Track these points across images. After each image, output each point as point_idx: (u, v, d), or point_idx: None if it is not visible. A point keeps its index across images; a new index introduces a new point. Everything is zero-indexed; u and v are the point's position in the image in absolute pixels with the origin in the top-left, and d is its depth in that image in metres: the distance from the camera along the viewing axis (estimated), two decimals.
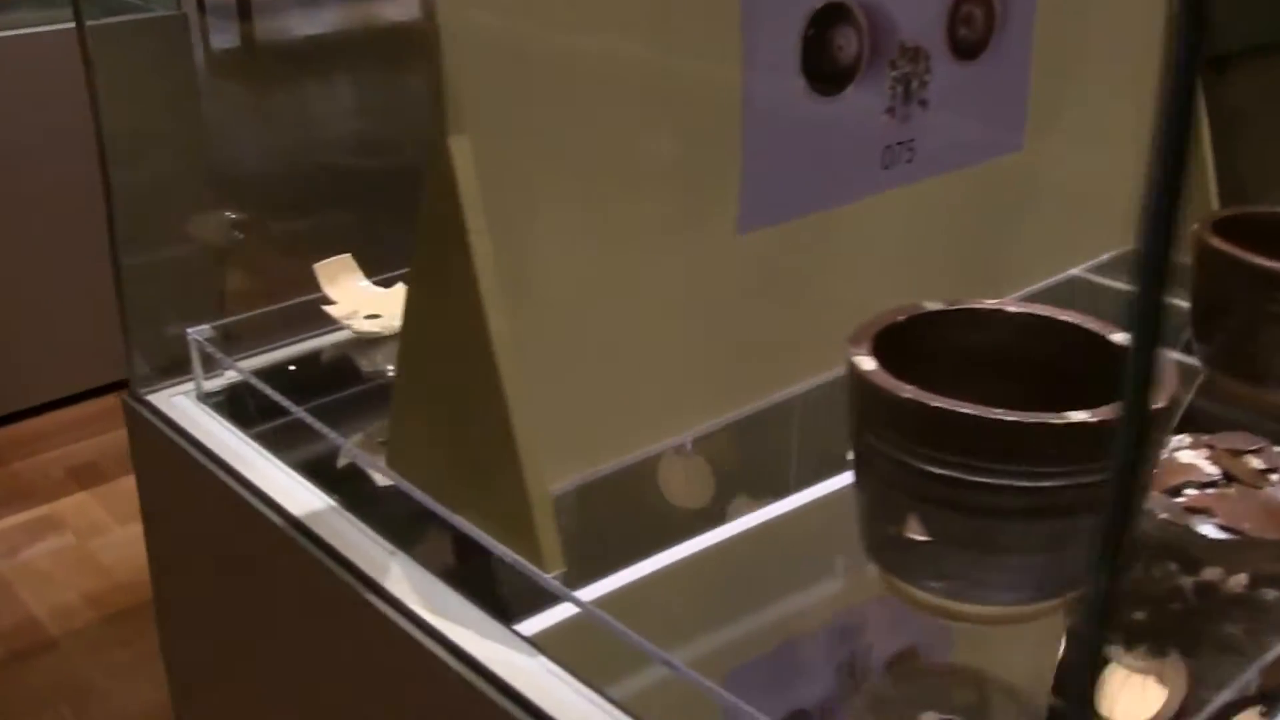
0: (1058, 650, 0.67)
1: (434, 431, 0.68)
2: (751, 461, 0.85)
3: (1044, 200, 0.95)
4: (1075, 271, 1.01)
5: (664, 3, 0.67)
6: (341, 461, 0.86)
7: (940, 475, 0.56)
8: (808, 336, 0.81)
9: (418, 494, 0.70)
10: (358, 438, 0.88)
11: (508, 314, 0.61)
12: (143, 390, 0.90)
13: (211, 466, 0.82)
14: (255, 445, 0.84)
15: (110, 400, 2.00)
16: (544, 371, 0.65)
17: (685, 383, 0.75)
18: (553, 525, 0.63)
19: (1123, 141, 1.00)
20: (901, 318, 0.64)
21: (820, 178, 0.77)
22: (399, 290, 0.94)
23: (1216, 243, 0.80)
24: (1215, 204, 1.02)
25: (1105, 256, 1.03)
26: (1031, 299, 0.96)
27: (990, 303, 0.66)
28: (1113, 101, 0.98)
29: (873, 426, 0.58)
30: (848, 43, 0.76)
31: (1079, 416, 0.55)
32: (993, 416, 0.54)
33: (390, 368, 0.92)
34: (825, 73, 0.75)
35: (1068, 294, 0.99)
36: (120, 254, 0.88)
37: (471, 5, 0.58)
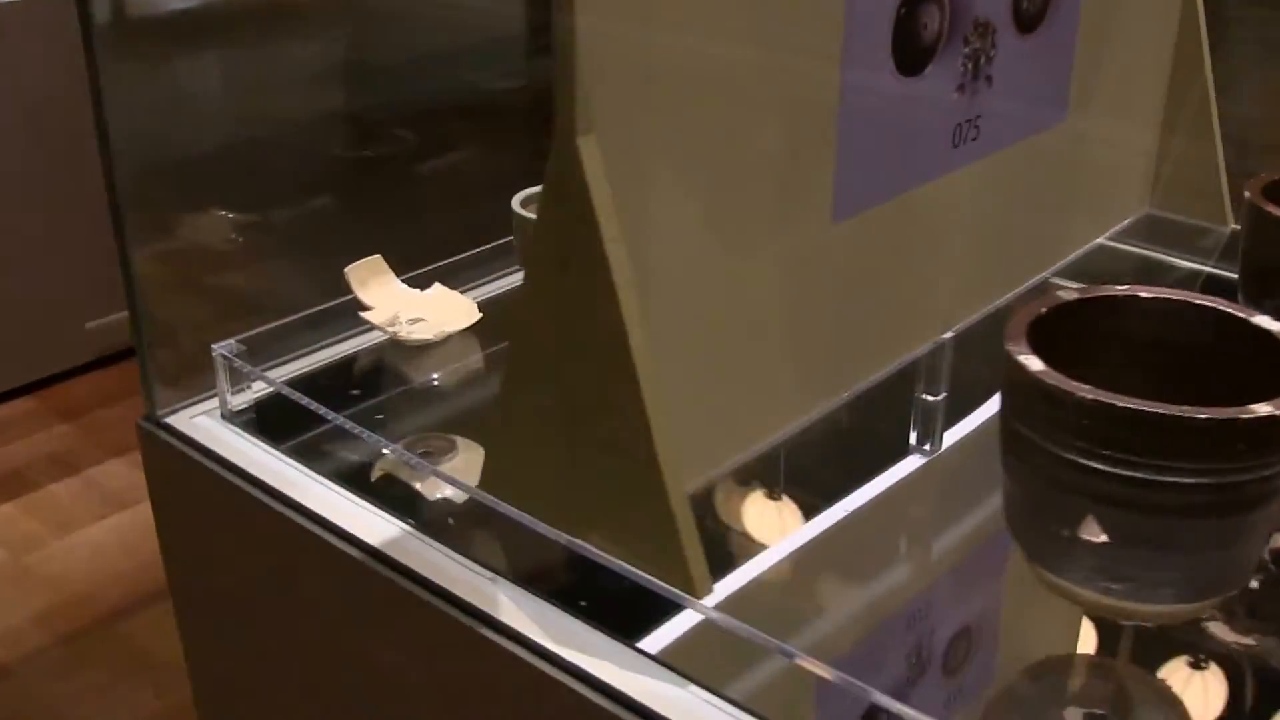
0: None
1: (550, 452, 0.63)
2: (844, 448, 0.83)
3: (1079, 170, 0.94)
4: (1101, 240, 1.00)
5: None
6: (376, 474, 0.82)
7: (1123, 476, 0.54)
8: (894, 319, 0.79)
9: (528, 519, 0.66)
10: (394, 449, 0.83)
11: (644, 325, 0.58)
12: (161, 413, 0.84)
13: (260, 495, 0.76)
14: (303, 468, 0.78)
15: (28, 403, 1.89)
16: (668, 380, 0.61)
17: (789, 377, 0.72)
18: (699, 548, 0.60)
19: (1139, 107, 1.01)
20: (1044, 309, 0.62)
21: (901, 161, 0.75)
22: (437, 292, 0.88)
23: (1270, 208, 0.80)
24: (1217, 131, 1.01)
25: (1126, 222, 1.03)
26: (1070, 270, 0.96)
27: (1121, 289, 0.64)
28: (1132, 68, 0.97)
29: (1041, 428, 0.56)
30: (931, 20, 0.73)
31: (1265, 410, 0.53)
32: (1185, 414, 0.53)
33: (436, 375, 0.87)
34: (910, 52, 0.72)
35: (1100, 262, 0.99)
36: (135, 266, 0.80)
37: (606, 6, 0.54)
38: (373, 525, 0.73)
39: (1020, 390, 0.57)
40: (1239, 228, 1.01)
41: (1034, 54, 0.83)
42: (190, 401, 0.85)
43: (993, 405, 0.88)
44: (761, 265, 0.68)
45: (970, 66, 0.77)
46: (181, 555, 0.86)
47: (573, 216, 0.56)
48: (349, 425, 0.79)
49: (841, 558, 0.75)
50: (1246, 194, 0.80)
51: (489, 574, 0.68)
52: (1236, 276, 0.99)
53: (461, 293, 0.91)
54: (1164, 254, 1.03)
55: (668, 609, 0.64)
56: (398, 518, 0.73)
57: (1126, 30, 0.94)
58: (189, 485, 0.82)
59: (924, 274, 0.81)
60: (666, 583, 0.61)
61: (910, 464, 0.81)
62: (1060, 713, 0.63)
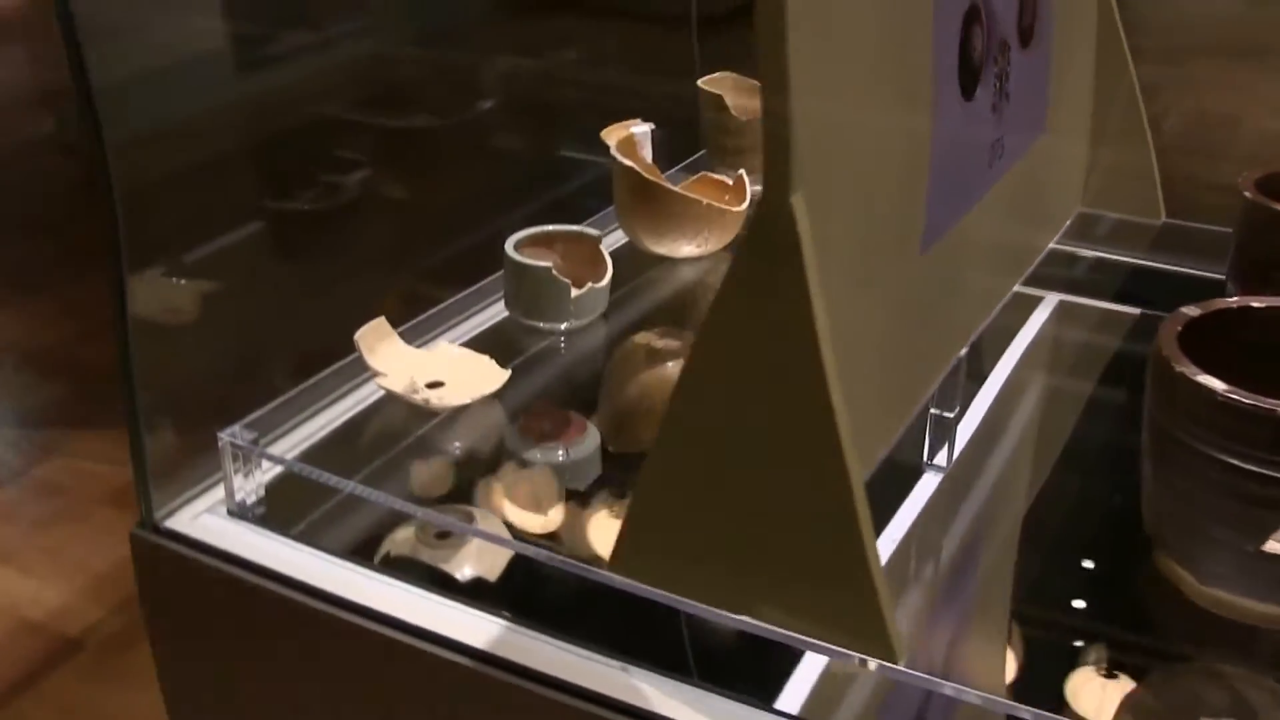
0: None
1: (713, 522, 0.59)
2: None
3: (1049, 178, 0.96)
4: (1051, 244, 1.03)
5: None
6: (382, 552, 0.75)
7: None
8: (940, 341, 0.78)
9: (675, 598, 0.61)
10: (408, 530, 0.77)
11: (842, 386, 0.55)
12: (160, 516, 0.74)
13: (315, 604, 0.68)
14: (352, 565, 0.71)
15: None
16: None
17: (884, 411, 0.71)
18: (894, 609, 0.57)
19: (1080, 109, 1.04)
20: (1179, 327, 0.62)
21: (961, 187, 0.74)
22: (444, 350, 0.81)
23: (1269, 202, 0.82)
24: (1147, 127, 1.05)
25: (1066, 224, 1.05)
26: (1035, 280, 0.98)
27: (1231, 301, 0.65)
28: (1075, 71, 1.00)
29: (1229, 448, 0.56)
30: (979, 43, 0.73)
31: None
32: None
33: (458, 443, 0.81)
34: (967, 76, 0.72)
35: (1043, 265, 1.01)
36: (135, 361, 0.70)
37: (819, 62, 0.52)
38: (462, 622, 0.66)
39: (1201, 411, 0.57)
40: (1171, 220, 1.07)
41: (1031, 68, 0.84)
42: (186, 498, 0.75)
43: (975, 416, 0.89)
44: (881, 306, 0.66)
45: (998, 85, 0.77)
46: (197, 686, 0.75)
47: (776, 278, 0.53)
48: (398, 504, 0.72)
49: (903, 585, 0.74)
50: (1246, 193, 0.83)
51: (615, 663, 0.63)
52: (1171, 269, 1.06)
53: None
54: (1100, 251, 1.07)
55: (784, 663, 0.62)
56: (487, 611, 0.67)
57: (1072, 37, 0.96)
58: (208, 599, 0.72)
59: (960, 295, 0.80)
60: (860, 650, 0.58)
61: (930, 482, 0.81)
62: None
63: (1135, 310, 1.04)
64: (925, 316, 0.73)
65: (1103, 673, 0.64)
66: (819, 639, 0.59)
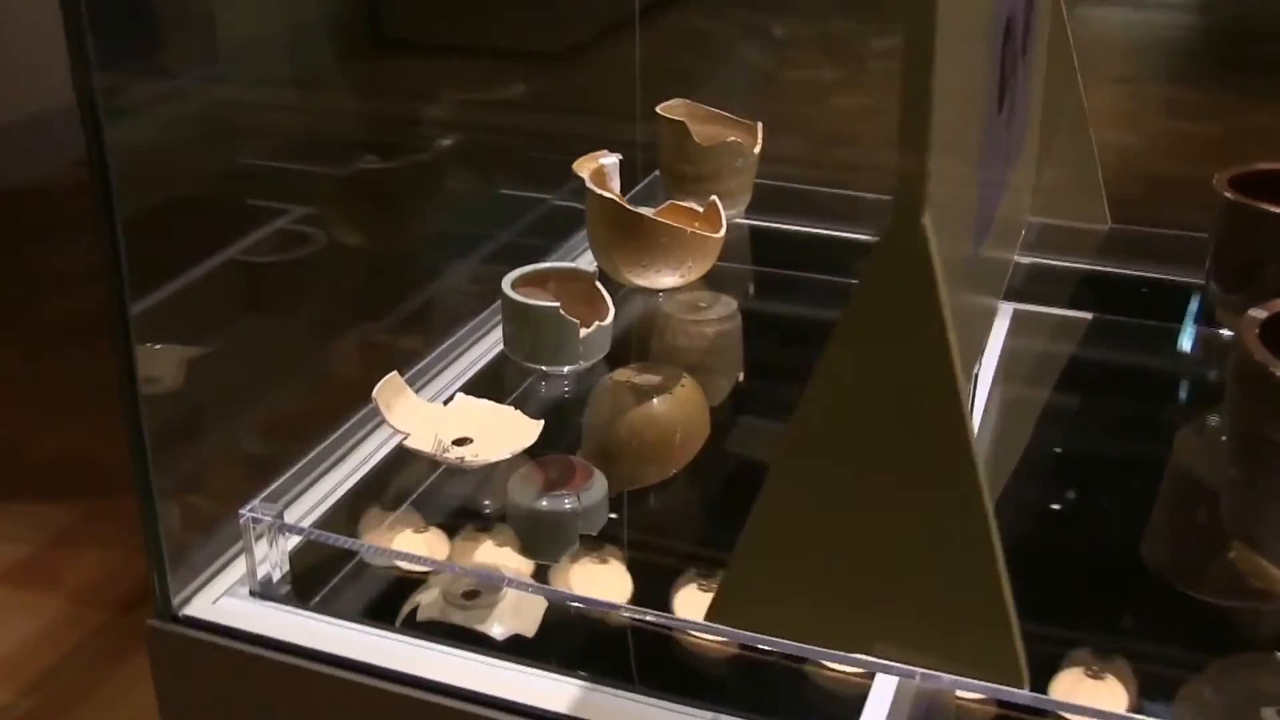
0: None
1: (831, 562, 0.57)
2: None
3: (1025, 190, 0.97)
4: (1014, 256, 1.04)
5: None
6: (405, 614, 0.71)
7: None
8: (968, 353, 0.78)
9: (785, 644, 0.59)
10: (433, 592, 0.73)
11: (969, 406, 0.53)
12: (178, 604, 0.67)
13: (365, 680, 0.63)
14: (397, 636, 0.66)
15: None
16: None
17: None
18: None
19: (1036, 120, 1.05)
20: (1255, 330, 0.63)
21: (993, 190, 0.74)
22: (465, 404, 0.76)
23: (1246, 200, 0.83)
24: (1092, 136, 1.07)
25: (1023, 233, 1.07)
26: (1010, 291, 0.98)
27: None
28: (1037, 84, 1.01)
29: None
30: (1009, 54, 0.73)
31: None
32: None
33: (488, 501, 0.76)
34: (1001, 88, 0.72)
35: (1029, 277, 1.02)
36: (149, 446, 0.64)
37: (943, 119, 0.51)
38: (534, 685, 0.63)
39: None
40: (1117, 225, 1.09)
41: (1026, 80, 0.85)
42: (200, 582, 0.69)
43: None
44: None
45: (1011, 96, 0.78)
46: None
47: (911, 289, 0.52)
48: (427, 564, 0.68)
49: None
50: (1226, 194, 0.85)
51: (705, 713, 0.61)
52: (1119, 272, 1.08)
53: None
54: (1050, 258, 1.08)
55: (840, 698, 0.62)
56: (560, 672, 0.63)
57: (1038, 48, 0.98)
58: (242, 688, 0.66)
59: (979, 311, 0.80)
60: (986, 678, 0.56)
61: None
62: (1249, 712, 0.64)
63: (1088, 315, 1.06)
64: (965, 333, 0.73)
65: (1090, 674, 0.64)
66: (942, 670, 0.57)
